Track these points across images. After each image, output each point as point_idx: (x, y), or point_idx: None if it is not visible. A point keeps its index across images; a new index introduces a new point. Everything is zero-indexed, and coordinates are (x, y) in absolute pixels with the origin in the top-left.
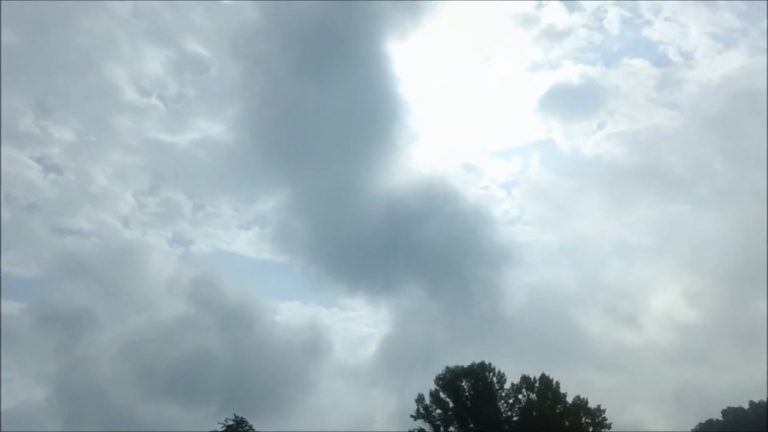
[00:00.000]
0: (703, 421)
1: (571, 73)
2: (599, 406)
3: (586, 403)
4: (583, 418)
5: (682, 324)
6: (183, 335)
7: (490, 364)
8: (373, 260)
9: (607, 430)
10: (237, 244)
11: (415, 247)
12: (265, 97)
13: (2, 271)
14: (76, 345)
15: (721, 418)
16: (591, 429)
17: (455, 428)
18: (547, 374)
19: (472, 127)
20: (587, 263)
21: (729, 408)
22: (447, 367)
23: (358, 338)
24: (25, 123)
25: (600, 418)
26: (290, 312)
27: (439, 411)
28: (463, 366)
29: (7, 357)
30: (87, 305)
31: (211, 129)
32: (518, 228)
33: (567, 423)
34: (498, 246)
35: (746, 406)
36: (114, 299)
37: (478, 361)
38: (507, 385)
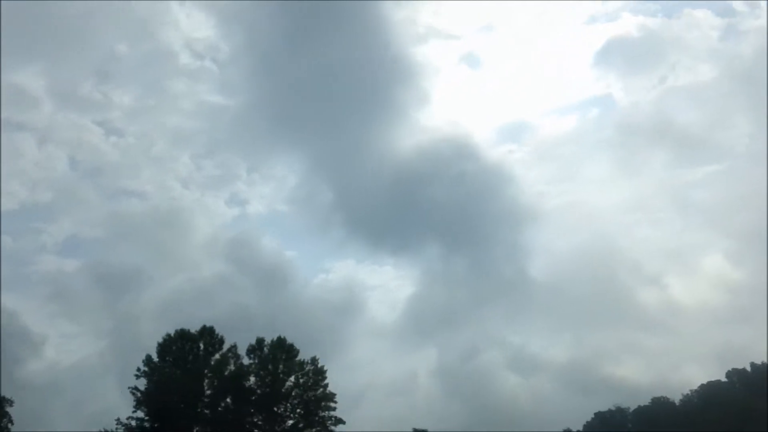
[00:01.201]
0: (705, 383)
1: (630, 25)
2: (323, 366)
3: (318, 363)
4: (305, 378)
5: (729, 284)
6: (233, 291)
7: (212, 327)
8: (417, 222)
9: (323, 389)
10: (291, 203)
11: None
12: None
13: (69, 232)
14: (133, 302)
15: (725, 380)
16: (311, 384)
17: (164, 388)
18: (282, 336)
19: (525, 84)
20: (638, 223)
21: (733, 369)
22: (172, 332)
23: (406, 296)
24: (86, 88)
25: (322, 377)
26: (345, 270)
27: (158, 371)
28: (183, 329)
29: (67, 314)
30: (142, 264)
31: (258, 92)
32: (572, 187)
33: (293, 380)
34: (542, 207)
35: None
36: (171, 258)
37: None
38: (245, 347)
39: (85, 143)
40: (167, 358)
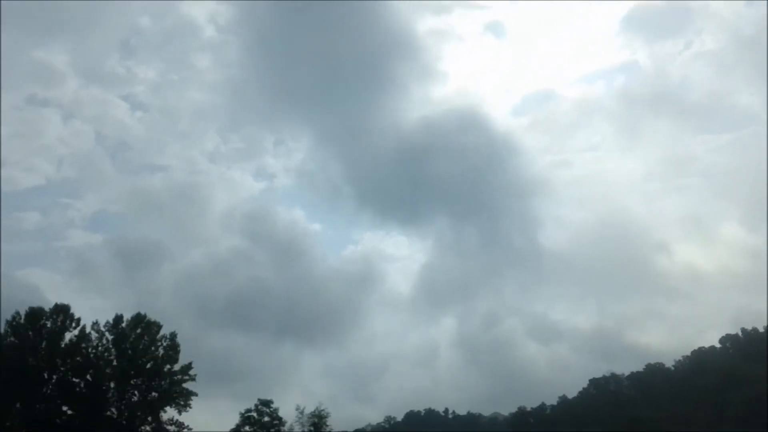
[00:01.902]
0: (696, 348)
1: None
2: (178, 341)
3: (175, 338)
4: (162, 352)
5: (747, 250)
6: (242, 266)
7: (65, 305)
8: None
9: (178, 364)
10: (315, 176)
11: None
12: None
13: (95, 208)
14: (160, 276)
15: (718, 345)
16: (162, 354)
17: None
18: (142, 313)
19: (550, 52)
20: (659, 191)
21: (727, 335)
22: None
23: (429, 267)
24: (110, 63)
25: (175, 351)
26: (372, 241)
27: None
28: (33, 307)
29: (93, 288)
30: (167, 238)
31: (282, 65)
32: (596, 155)
33: (150, 355)
34: (566, 176)
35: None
36: (193, 231)
37: None
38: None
39: (110, 118)
40: (15, 336)
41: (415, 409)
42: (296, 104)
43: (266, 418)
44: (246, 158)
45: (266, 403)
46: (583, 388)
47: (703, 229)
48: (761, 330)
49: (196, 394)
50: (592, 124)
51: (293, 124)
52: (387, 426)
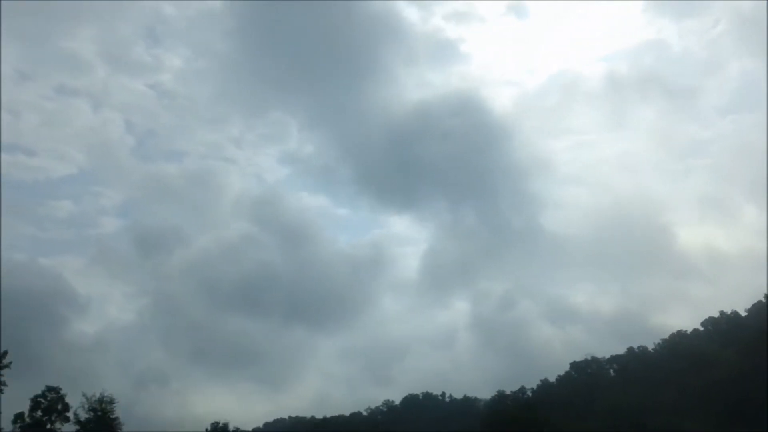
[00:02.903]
0: (675, 332)
1: None
2: None
3: None
4: None
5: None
6: (253, 251)
7: None
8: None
9: None
10: (336, 162)
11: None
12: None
13: (124, 195)
14: (182, 260)
15: (701, 328)
16: None
17: None
18: None
19: (574, 32)
20: (683, 172)
21: (709, 318)
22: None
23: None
24: (137, 52)
25: None
26: (399, 225)
27: None
28: None
29: (111, 274)
30: (185, 223)
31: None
32: (620, 135)
33: None
34: (582, 157)
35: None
36: (213, 216)
37: None
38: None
39: (138, 107)
40: None
41: (414, 392)
42: (317, 90)
43: (55, 404)
44: (271, 143)
45: (54, 389)
46: (566, 372)
47: (725, 209)
48: (743, 314)
49: (6, 385)
50: (616, 104)
51: (313, 110)
52: (385, 409)
